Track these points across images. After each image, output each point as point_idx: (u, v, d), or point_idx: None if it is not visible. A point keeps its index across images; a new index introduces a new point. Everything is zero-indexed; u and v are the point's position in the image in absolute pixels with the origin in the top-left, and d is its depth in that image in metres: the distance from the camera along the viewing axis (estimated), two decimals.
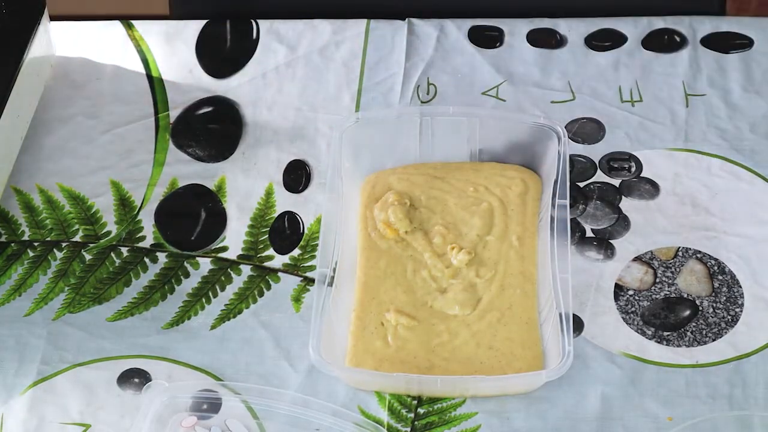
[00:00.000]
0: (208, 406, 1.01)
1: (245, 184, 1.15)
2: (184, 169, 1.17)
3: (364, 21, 1.28)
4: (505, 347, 1.02)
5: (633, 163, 1.15)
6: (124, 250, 1.11)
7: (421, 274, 1.06)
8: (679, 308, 1.05)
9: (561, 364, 0.97)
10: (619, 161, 1.15)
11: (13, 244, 1.12)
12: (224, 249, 1.11)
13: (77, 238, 1.12)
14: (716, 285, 1.06)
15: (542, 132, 1.10)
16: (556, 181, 1.06)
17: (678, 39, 1.24)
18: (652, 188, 1.13)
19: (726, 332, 1.04)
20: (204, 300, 1.08)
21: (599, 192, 1.13)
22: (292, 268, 1.09)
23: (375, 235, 1.08)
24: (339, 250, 1.04)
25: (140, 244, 1.12)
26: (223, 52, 1.27)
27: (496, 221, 1.09)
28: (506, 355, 1.01)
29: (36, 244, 1.12)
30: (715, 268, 1.07)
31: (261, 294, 1.08)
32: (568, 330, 0.98)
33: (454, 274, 1.06)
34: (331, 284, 1.02)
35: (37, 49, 1.19)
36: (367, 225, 1.09)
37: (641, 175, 1.14)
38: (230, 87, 1.23)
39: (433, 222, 1.09)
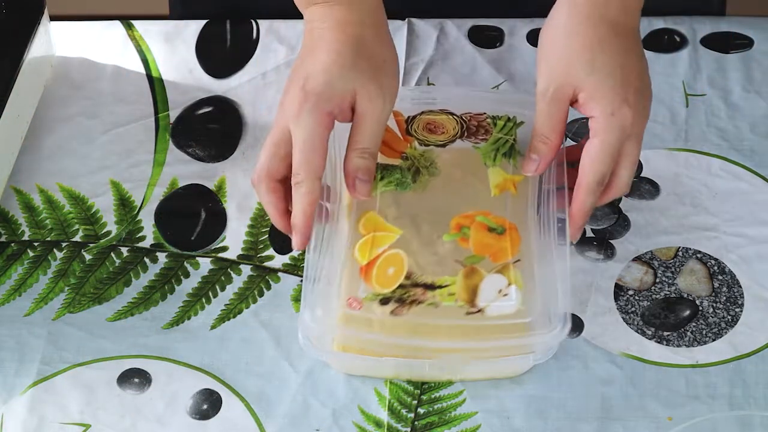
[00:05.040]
0: (208, 405, 1.01)
1: (245, 184, 1.15)
2: (184, 169, 1.17)
3: None
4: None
5: None
6: (124, 250, 1.11)
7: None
8: (679, 308, 1.05)
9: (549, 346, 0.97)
10: None
11: (13, 244, 1.12)
12: (224, 249, 1.11)
13: (77, 238, 1.12)
14: (716, 285, 1.06)
15: (524, 109, 1.09)
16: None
17: (678, 39, 1.24)
18: (652, 188, 1.13)
19: (726, 332, 1.04)
20: (204, 300, 1.08)
21: None
22: (292, 268, 1.09)
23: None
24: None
25: (140, 244, 1.12)
26: (223, 52, 1.26)
27: None
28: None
29: (36, 244, 1.12)
30: (715, 268, 1.07)
31: (261, 294, 1.08)
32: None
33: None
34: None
35: (37, 49, 1.19)
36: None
37: (641, 175, 1.14)
38: (230, 87, 1.23)
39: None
